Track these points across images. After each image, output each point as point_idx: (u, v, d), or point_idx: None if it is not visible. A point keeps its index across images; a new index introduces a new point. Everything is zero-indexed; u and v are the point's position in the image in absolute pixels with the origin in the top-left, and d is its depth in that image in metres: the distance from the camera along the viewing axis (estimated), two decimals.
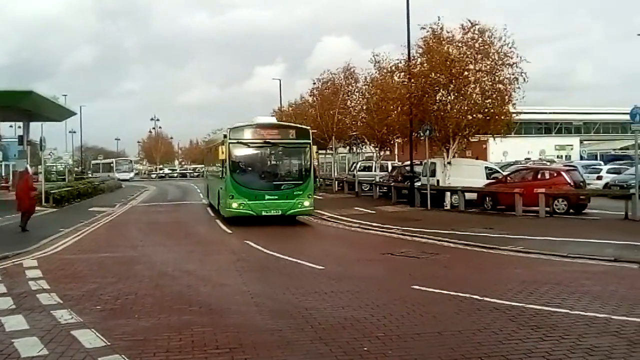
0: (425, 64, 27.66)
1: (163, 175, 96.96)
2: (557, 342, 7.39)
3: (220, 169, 23.58)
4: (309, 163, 22.83)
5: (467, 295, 10.00)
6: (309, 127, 24.21)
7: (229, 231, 20.61)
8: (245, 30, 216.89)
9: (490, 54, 26.41)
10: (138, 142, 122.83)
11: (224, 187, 22.59)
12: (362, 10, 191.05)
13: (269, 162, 23.14)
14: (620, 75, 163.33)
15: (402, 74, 29.88)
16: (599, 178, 35.81)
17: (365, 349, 7.26)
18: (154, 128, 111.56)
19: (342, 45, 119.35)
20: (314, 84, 47.01)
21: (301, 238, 19.87)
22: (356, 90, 43.64)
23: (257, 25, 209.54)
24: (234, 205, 21.68)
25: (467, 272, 13.00)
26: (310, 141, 22.87)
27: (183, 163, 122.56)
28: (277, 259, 14.47)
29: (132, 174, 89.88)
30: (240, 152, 22.36)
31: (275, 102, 61.82)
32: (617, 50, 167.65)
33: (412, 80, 27.97)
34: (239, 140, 22.20)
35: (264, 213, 21.70)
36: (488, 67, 26.57)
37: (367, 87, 40.58)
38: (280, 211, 21.87)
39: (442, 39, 27.12)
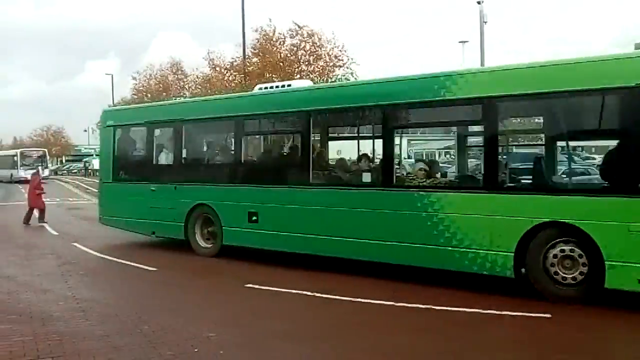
0: (259, 64, 28.01)
1: None
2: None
3: None
4: None
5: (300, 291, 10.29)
6: None
7: (55, 233, 19.54)
8: (74, 23, 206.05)
9: (322, 57, 27.30)
10: None
11: None
12: (200, 8, 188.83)
13: None
14: None
15: (237, 73, 29.96)
16: None
17: (196, 350, 7.26)
18: None
19: (179, 43, 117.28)
20: (134, 79, 45.73)
21: (134, 239, 19.23)
22: (187, 86, 43.03)
23: (88, 18, 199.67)
24: None
25: None
26: None
27: None
28: (106, 262, 13.99)
29: (46, 172, 61.48)
30: None
31: (108, 98, 59.40)
32: (436, 54, 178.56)
33: (247, 79, 28.12)
34: None
35: None
36: (320, 68, 27.42)
37: (198, 87, 40.23)
38: None
39: (273, 40, 27.67)
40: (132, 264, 13.36)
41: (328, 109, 12.48)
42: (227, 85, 32.44)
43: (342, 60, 27.09)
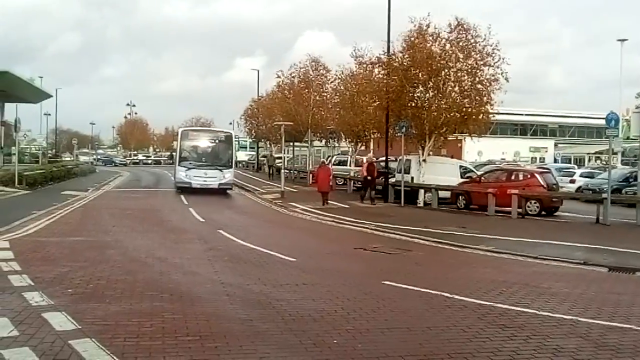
0: (406, 58, 27.55)
1: (137, 161, 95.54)
2: (524, 341, 7.49)
3: None
4: None
5: (437, 292, 10.08)
6: None
7: (202, 220, 20.53)
8: (227, 22, 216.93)
9: (473, 54, 26.49)
10: (113, 127, 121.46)
11: None
12: (344, 6, 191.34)
13: None
14: (589, 80, 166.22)
15: (381, 67, 29.71)
16: (572, 181, 36.25)
17: (335, 341, 7.31)
18: (129, 114, 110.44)
19: (323, 41, 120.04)
20: (278, 77, 46.78)
21: (274, 230, 19.86)
22: (330, 81, 43.59)
23: (239, 17, 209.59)
24: None
25: (438, 270, 13.12)
26: None
27: (157, 150, 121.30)
28: (249, 250, 14.43)
29: (228, 176, 32.77)
30: None
31: (254, 93, 61.61)
32: (585, 56, 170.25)
33: (391, 74, 27.94)
34: None
35: None
36: (469, 66, 26.65)
37: (341, 82, 40.66)
38: None
39: (426, 35, 27.07)
40: (274, 253, 13.71)
41: None
42: (372, 79, 32.47)
43: (494, 58, 26.03)
